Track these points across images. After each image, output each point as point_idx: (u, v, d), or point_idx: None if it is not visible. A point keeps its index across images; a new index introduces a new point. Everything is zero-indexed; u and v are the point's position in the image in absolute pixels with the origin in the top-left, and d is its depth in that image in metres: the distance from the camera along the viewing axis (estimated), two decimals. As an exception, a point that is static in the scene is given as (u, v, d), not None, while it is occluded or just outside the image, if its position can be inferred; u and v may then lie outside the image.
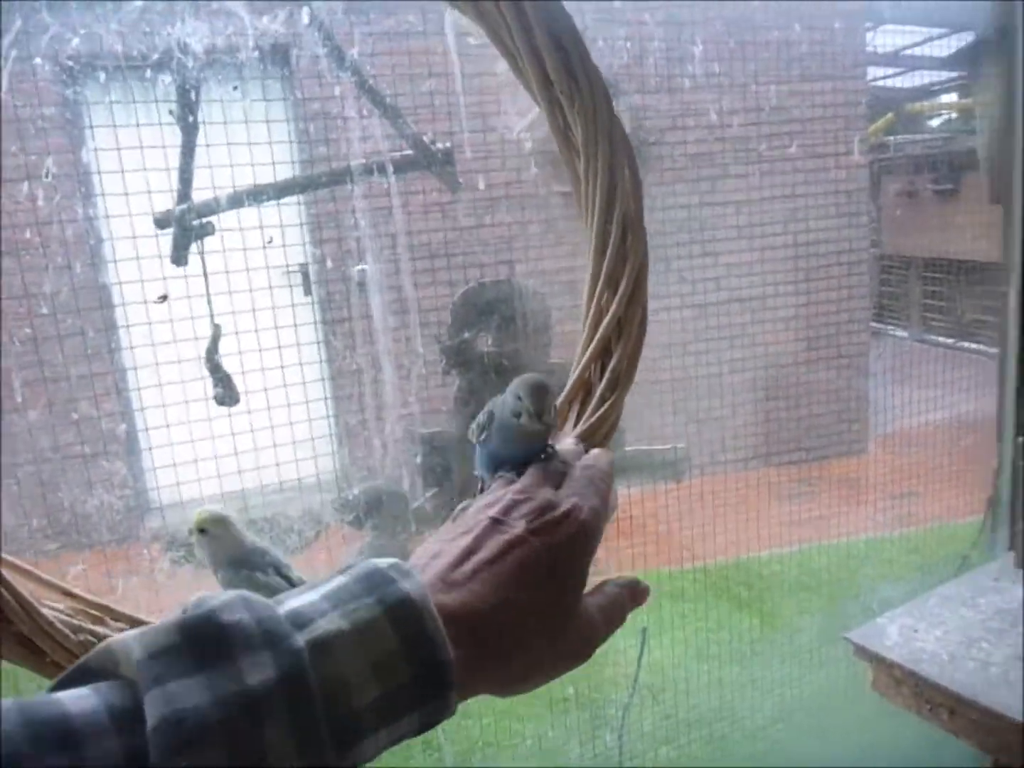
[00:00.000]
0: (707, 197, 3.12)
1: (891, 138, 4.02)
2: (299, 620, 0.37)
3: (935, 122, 4.19)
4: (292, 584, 0.69)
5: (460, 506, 0.51)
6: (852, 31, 3.33)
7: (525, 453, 0.53)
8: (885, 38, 3.58)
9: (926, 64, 3.66)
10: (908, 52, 3.65)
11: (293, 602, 0.39)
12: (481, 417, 0.57)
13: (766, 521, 3.48)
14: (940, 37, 3.36)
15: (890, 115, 3.92)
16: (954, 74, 3.67)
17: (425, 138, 0.94)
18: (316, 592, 0.39)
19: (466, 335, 0.80)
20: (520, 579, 0.44)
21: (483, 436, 0.56)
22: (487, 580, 0.43)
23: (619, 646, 2.76)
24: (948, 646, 0.91)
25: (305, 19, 1.01)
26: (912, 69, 3.84)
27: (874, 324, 4.25)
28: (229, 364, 1.19)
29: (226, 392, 1.16)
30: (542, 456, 0.54)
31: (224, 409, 1.16)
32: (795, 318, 3.57)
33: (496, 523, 0.47)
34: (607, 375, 0.58)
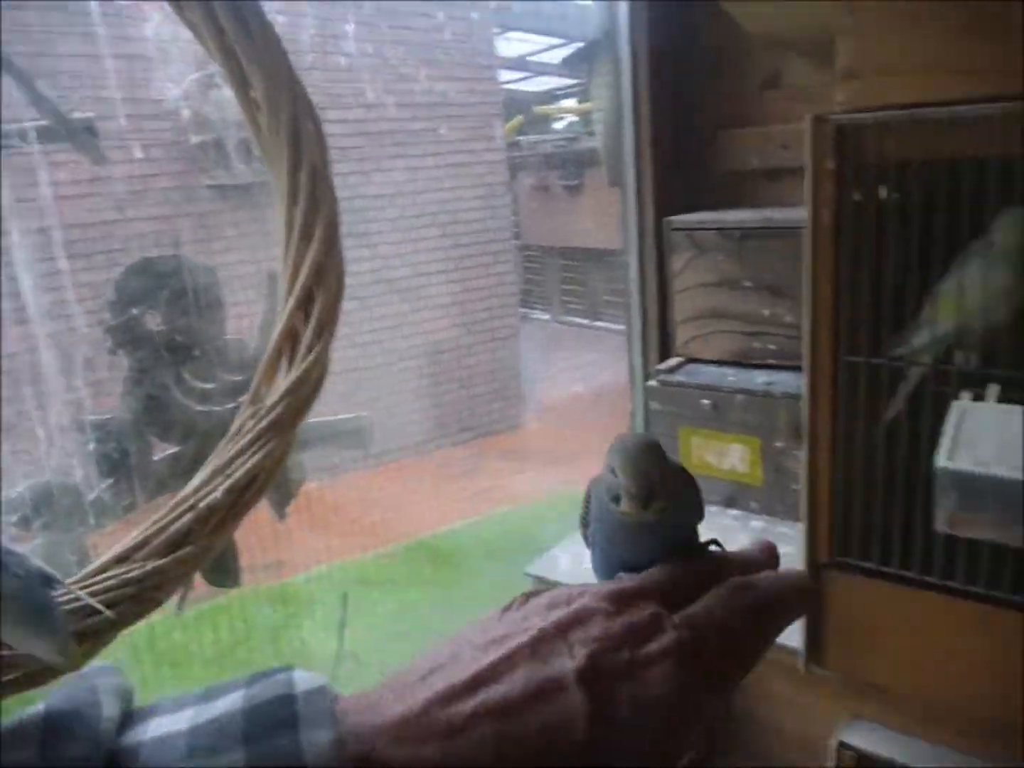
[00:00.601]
0: (360, 190, 3.18)
1: (523, 138, 4.40)
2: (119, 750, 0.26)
3: (560, 124, 4.65)
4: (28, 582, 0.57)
5: (528, 591, 0.36)
6: (485, 33, 3.58)
7: (646, 553, 0.37)
8: (512, 44, 3.92)
9: (549, 70, 4.06)
10: (533, 58, 4.02)
11: (152, 725, 0.27)
12: (583, 506, 0.41)
13: (445, 499, 3.66)
14: (560, 46, 3.75)
15: (520, 116, 4.29)
16: (574, 81, 4.10)
17: (64, 107, 0.86)
18: (191, 715, 0.28)
19: (134, 312, 0.76)
20: (537, 748, 0.28)
21: (588, 534, 0.40)
22: (485, 738, 0.28)
23: (311, 588, 2.75)
24: (608, 564, 1.05)
25: None
26: (537, 74, 4.23)
27: (522, 309, 4.64)
28: None
29: None
30: (688, 552, 0.37)
31: None
32: (452, 305, 3.75)
33: (544, 641, 0.31)
34: (312, 322, 0.59)
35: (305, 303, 0.62)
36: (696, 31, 1.18)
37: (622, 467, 0.36)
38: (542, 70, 4.05)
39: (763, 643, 0.34)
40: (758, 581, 0.35)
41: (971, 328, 0.67)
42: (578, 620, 0.32)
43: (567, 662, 0.30)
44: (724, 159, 1.19)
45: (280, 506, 0.92)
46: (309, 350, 0.61)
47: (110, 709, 0.28)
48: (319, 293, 0.62)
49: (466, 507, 3.63)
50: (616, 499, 0.36)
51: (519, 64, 4.05)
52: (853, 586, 0.79)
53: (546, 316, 5.51)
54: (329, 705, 0.27)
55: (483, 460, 3.89)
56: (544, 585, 1.11)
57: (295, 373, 0.58)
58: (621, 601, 0.33)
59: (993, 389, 0.66)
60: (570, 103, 4.51)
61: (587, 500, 0.40)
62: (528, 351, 4.26)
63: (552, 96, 4.52)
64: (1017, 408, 0.66)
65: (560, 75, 4.00)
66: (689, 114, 1.22)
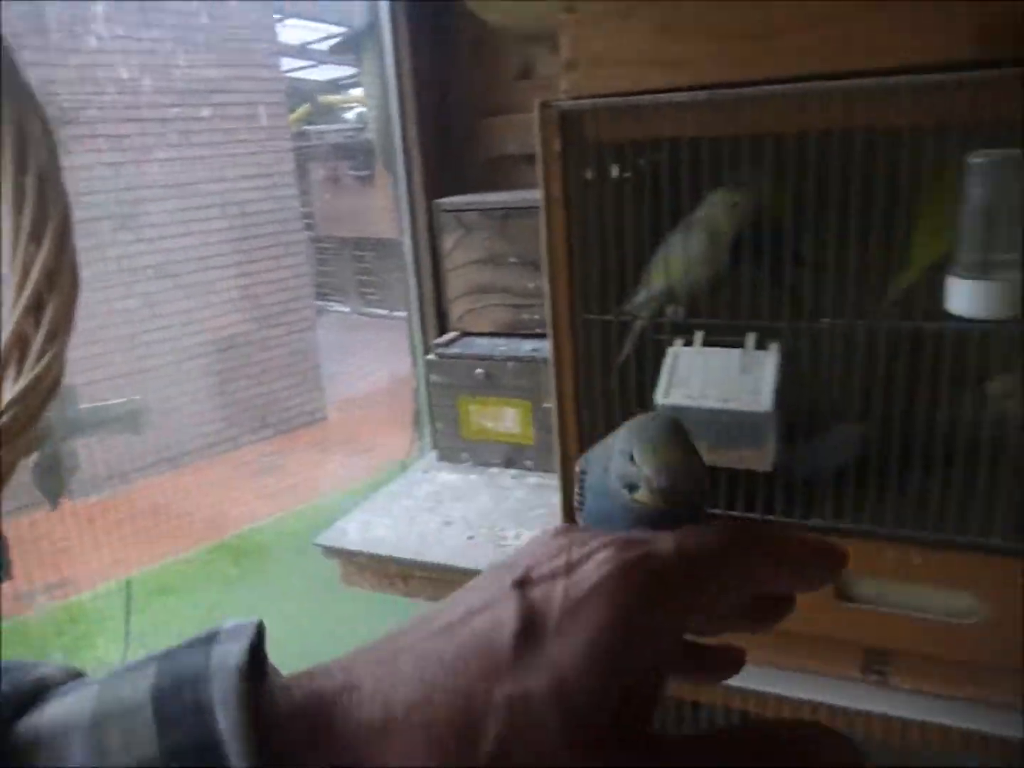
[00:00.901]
0: (134, 180, 3.02)
1: (310, 127, 4.34)
2: (42, 696, 0.26)
3: (349, 114, 4.62)
4: None
5: None
6: (264, 20, 3.50)
7: None
8: (296, 31, 3.86)
9: (330, 59, 4.03)
10: (314, 47, 3.97)
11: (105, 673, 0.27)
12: (576, 486, 0.36)
13: (248, 497, 3.58)
14: (339, 35, 3.73)
15: (307, 105, 4.22)
16: (356, 70, 4.09)
17: None
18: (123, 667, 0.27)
19: None
20: (463, 659, 0.26)
21: (582, 517, 0.36)
22: (414, 658, 0.27)
23: (100, 605, 2.61)
24: (396, 529, 1.10)
25: None
26: (320, 63, 4.18)
27: (321, 302, 4.58)
28: None
29: None
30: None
31: None
32: (243, 299, 3.65)
33: (490, 574, 0.30)
34: (44, 328, 0.58)
35: (35, 309, 0.60)
36: (454, 23, 1.25)
37: (644, 456, 0.31)
38: (324, 59, 4.02)
39: (736, 576, 0.29)
40: (753, 524, 0.31)
41: (678, 287, 0.78)
42: (526, 549, 0.30)
43: (507, 580, 0.28)
44: (485, 145, 1.28)
45: (53, 496, 0.90)
46: (40, 356, 0.59)
47: (37, 672, 0.27)
48: (51, 298, 0.60)
49: (270, 504, 3.56)
50: (631, 487, 0.32)
51: (301, 52, 3.99)
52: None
53: (346, 308, 5.47)
54: (250, 629, 0.26)
55: (286, 455, 3.83)
56: (332, 554, 1.15)
57: (24, 381, 0.57)
58: (576, 529, 0.31)
59: (698, 335, 0.78)
60: (357, 92, 4.49)
61: (581, 480, 0.36)
62: (327, 343, 4.23)
63: (338, 85, 4.48)
64: (718, 349, 0.78)
65: (341, 64, 3.98)
66: (452, 103, 1.29)
